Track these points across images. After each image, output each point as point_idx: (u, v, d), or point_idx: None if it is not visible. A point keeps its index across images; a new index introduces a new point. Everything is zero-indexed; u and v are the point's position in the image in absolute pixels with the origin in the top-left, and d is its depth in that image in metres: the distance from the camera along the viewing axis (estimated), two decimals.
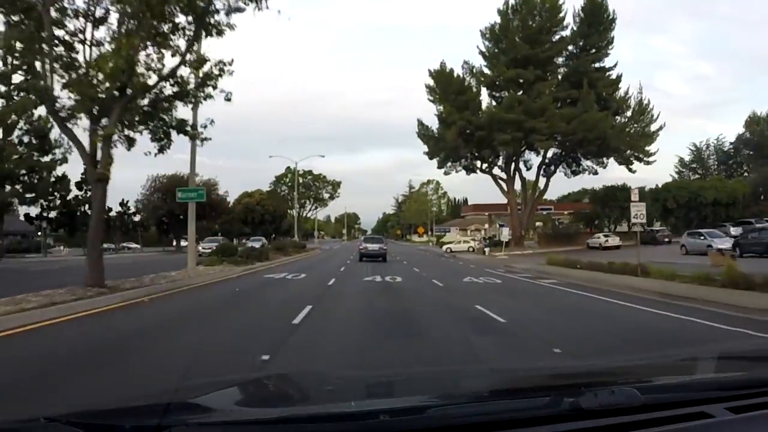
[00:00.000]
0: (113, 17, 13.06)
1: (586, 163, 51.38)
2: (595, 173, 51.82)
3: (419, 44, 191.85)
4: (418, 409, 1.42)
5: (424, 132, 51.08)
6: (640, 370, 2.36)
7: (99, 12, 13.14)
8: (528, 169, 52.59)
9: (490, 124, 45.33)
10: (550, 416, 1.39)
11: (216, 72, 14.12)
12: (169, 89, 14.27)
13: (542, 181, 52.81)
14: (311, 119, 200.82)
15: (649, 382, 1.69)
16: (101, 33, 13.24)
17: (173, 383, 3.36)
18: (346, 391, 2.00)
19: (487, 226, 71.31)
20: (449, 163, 51.79)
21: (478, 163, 52.01)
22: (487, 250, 44.45)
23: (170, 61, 13.74)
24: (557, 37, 46.59)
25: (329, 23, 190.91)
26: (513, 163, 51.10)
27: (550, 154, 50.92)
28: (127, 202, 63.40)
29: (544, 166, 51.85)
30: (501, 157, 50.82)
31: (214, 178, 53.33)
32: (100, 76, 12.04)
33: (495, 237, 52.73)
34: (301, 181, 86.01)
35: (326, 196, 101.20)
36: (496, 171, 51.87)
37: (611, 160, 49.71)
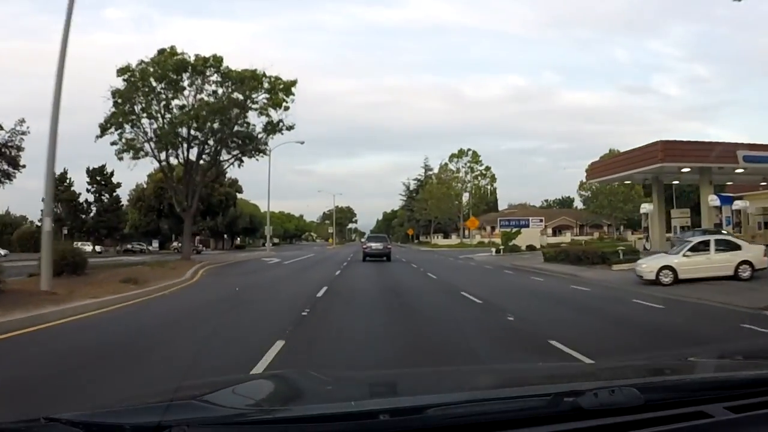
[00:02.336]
0: None
1: None
2: None
3: (416, 47, 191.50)
4: (418, 409, 1.42)
5: None
6: (640, 369, 2.36)
7: None
8: None
9: None
10: (550, 416, 1.39)
11: None
12: None
13: None
14: (308, 122, 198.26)
15: (649, 382, 1.69)
16: None
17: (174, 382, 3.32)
18: (346, 391, 2.00)
19: (649, 209, 30.28)
20: None
21: None
22: None
23: None
24: None
25: (327, 26, 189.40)
26: None
27: None
28: None
29: None
30: None
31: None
32: None
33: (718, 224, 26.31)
34: (185, 81, 32.12)
35: (262, 122, 34.82)
36: None
37: None
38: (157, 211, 53.91)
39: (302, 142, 45.30)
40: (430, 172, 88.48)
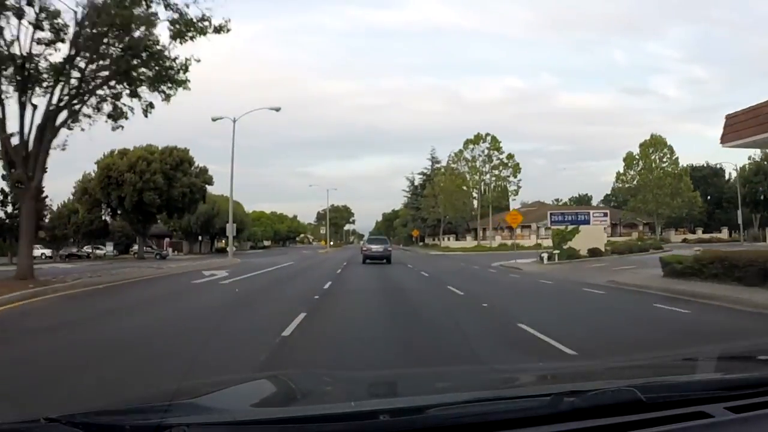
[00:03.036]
0: None
1: None
2: None
3: (415, 50, 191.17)
4: (418, 409, 1.42)
5: None
6: (640, 370, 2.37)
7: None
8: None
9: None
10: (550, 416, 1.39)
11: None
12: None
13: None
14: (306, 124, 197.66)
15: (649, 382, 1.69)
16: None
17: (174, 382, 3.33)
18: (346, 391, 2.00)
19: None
20: None
21: None
22: None
23: None
24: None
25: (324, 27, 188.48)
26: None
27: None
28: None
29: None
30: None
31: None
32: None
33: None
34: None
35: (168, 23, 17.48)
36: None
37: None
38: (107, 206, 43.18)
39: (278, 109, 37.92)
40: (438, 165, 76.29)
